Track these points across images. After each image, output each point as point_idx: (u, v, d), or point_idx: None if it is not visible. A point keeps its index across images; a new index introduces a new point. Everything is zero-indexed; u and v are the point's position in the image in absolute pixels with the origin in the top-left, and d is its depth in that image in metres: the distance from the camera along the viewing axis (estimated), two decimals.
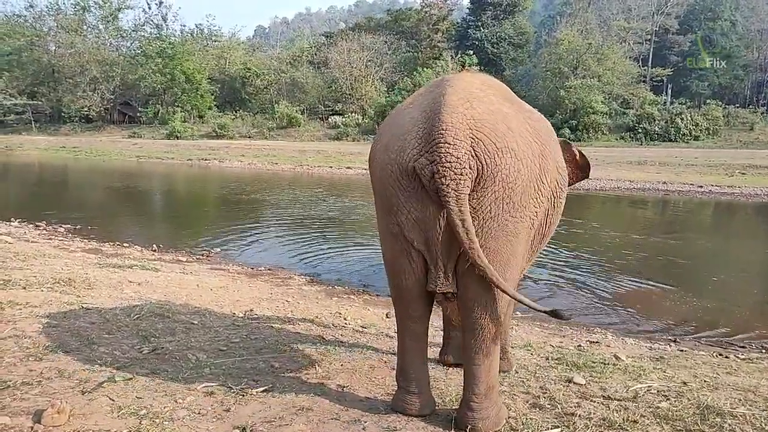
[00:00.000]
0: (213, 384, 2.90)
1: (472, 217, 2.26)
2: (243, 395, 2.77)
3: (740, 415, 2.56)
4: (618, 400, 2.83)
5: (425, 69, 40.93)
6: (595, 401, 2.81)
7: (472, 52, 42.24)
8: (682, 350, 5.04)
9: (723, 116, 36.69)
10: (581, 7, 51.45)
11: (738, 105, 41.30)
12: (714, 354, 4.92)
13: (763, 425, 2.46)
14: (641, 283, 7.73)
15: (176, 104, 48.00)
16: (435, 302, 2.64)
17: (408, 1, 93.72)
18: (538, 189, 2.43)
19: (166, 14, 55.37)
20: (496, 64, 46.35)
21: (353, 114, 43.76)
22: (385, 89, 45.36)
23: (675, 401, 2.83)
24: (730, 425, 2.45)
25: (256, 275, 7.66)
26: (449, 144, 2.22)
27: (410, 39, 51.45)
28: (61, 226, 10.80)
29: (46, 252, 7.58)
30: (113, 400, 2.61)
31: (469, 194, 2.25)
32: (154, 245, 9.32)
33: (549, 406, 2.71)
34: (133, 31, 55.31)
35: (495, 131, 2.29)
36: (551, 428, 2.44)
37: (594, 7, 51.73)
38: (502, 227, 2.34)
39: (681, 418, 2.55)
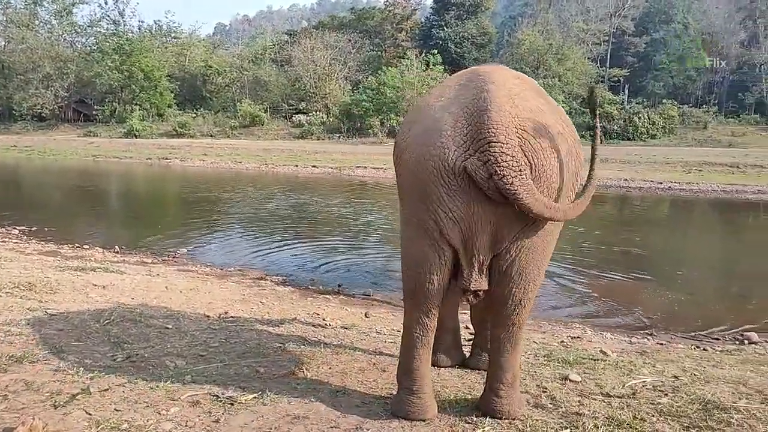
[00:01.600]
0: (197, 393, 2.71)
1: (516, 218, 2.25)
2: (231, 404, 2.59)
3: (744, 410, 2.53)
4: (618, 397, 2.78)
5: (390, 68, 40.87)
6: (595, 399, 2.75)
7: (436, 51, 42.41)
8: (661, 344, 5.07)
9: (678, 115, 37.90)
10: (542, 8, 52.44)
11: (691, 105, 42.75)
12: (693, 347, 4.97)
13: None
14: (611, 278, 7.82)
15: (134, 102, 46.64)
16: (459, 300, 2.66)
17: (371, 0, 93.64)
18: (573, 188, 2.44)
19: (124, 10, 53.82)
20: (460, 63, 46.57)
21: (318, 113, 43.38)
22: (350, 88, 45.11)
23: (674, 396, 2.79)
24: (737, 420, 2.42)
25: (226, 276, 7.42)
26: (502, 143, 2.15)
27: (374, 38, 51.36)
28: (15, 228, 10.27)
29: (0, 255, 7.16)
30: (90, 414, 2.40)
31: None
32: (117, 247, 8.95)
33: (551, 406, 2.64)
34: (89, 26, 53.51)
35: (538, 130, 2.25)
36: (560, 429, 2.36)
37: (554, 9, 52.77)
38: (543, 226, 2.34)
39: (686, 414, 2.51)
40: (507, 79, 2.44)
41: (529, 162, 2.20)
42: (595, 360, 3.65)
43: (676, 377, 3.28)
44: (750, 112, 41.08)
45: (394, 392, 2.70)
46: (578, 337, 5.13)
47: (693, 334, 5.67)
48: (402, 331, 2.65)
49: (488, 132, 2.17)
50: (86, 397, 2.57)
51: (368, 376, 3.12)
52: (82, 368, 2.95)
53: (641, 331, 5.68)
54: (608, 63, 47.97)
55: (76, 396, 2.57)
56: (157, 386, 2.77)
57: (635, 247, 10.20)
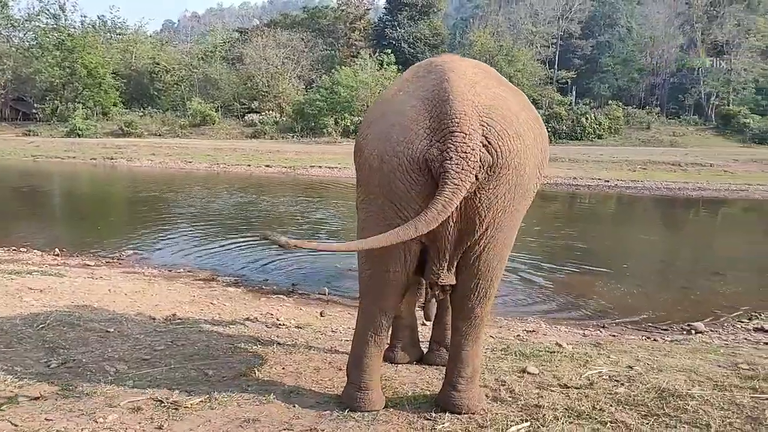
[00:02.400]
0: (139, 398, 2.54)
1: (488, 207, 2.21)
2: (176, 409, 2.43)
3: (699, 397, 2.56)
4: (576, 388, 2.77)
5: (343, 67, 40.65)
6: (554, 391, 2.73)
7: (390, 51, 42.46)
8: (614, 335, 5.16)
9: (623, 116, 39.19)
10: (492, 10, 53.30)
11: (635, 106, 44.23)
12: (644, 338, 5.08)
13: (722, 405, 2.46)
14: (563, 272, 7.95)
15: (77, 100, 44.63)
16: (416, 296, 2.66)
17: (323, 0, 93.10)
18: (539, 174, 2.42)
19: (64, 4, 51.32)
20: (414, 63, 46.84)
21: (271, 112, 42.68)
22: (304, 87, 44.61)
23: (630, 386, 2.80)
24: (692, 407, 2.43)
25: (174, 277, 7.14)
26: (464, 134, 2.09)
27: (327, 37, 50.98)
28: None
29: None
30: (16, 426, 2.20)
31: (485, 185, 2.17)
32: (57, 249, 8.48)
33: (511, 399, 2.60)
34: (26, 20, 50.84)
35: (504, 117, 2.20)
36: (521, 422, 2.32)
37: (504, 11, 53.70)
38: (511, 215, 2.30)
39: (643, 402, 2.51)
40: (466, 67, 2.38)
41: (496, 151, 2.14)
42: (551, 352, 3.65)
43: (630, 367, 3.30)
44: (689, 113, 42.86)
45: None
46: (534, 331, 5.16)
47: (643, 325, 5.81)
48: (356, 327, 2.56)
49: (451, 122, 2.11)
50: (13, 407, 2.36)
51: (323, 376, 3.01)
52: (10, 376, 2.73)
53: (594, 324, 5.77)
54: (556, 65, 49.14)
55: (2, 406, 2.36)
56: (95, 393, 2.58)
57: (585, 242, 10.42)
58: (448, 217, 2.17)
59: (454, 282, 2.38)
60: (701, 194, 18.96)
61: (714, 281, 7.75)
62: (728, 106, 39.76)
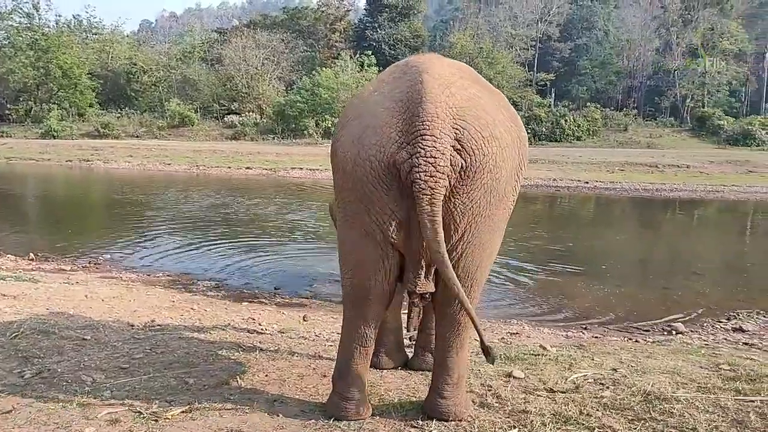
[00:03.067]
0: (117, 410, 2.46)
1: (462, 212, 2.14)
2: (156, 420, 2.36)
3: (684, 400, 2.56)
4: (562, 392, 2.75)
5: (324, 69, 40.50)
6: (540, 395, 2.71)
7: (370, 52, 42.42)
8: (597, 337, 5.18)
9: (601, 118, 39.67)
10: (472, 13, 53.62)
11: (612, 108, 44.83)
12: (626, 339, 5.11)
13: (707, 408, 2.47)
14: (545, 274, 7.99)
15: (52, 101, 43.79)
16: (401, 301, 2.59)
17: (303, 1, 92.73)
18: (518, 177, 2.36)
19: (38, 2, 50.24)
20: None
21: (251, 113, 42.32)
22: (284, 88, 44.32)
23: (615, 389, 2.80)
24: (678, 410, 2.43)
25: (153, 282, 7.02)
26: (435, 137, 2.04)
27: (307, 38, 50.73)
28: None
29: None
30: None
31: (458, 189, 2.11)
32: (31, 254, 8.28)
33: (497, 405, 2.57)
34: None
35: (478, 119, 2.14)
36: (509, 428, 2.29)
37: (483, 14, 54.05)
38: (489, 220, 2.24)
39: (629, 406, 2.51)
40: (442, 67, 2.33)
41: (469, 154, 2.09)
42: (535, 355, 3.64)
43: (614, 369, 3.30)
44: (665, 115, 43.58)
45: None
46: (517, 333, 5.16)
47: (625, 326, 5.85)
48: (341, 335, 2.51)
49: (421, 124, 2.07)
50: None
51: (308, 383, 2.96)
52: None
53: (576, 325, 5.80)
54: (536, 67, 49.55)
55: None
56: (71, 404, 2.50)
57: (566, 243, 10.50)
58: (420, 224, 2.12)
59: (432, 290, 2.33)
60: (678, 195, 19.27)
61: (692, 281, 7.86)
62: (703, 108, 40.49)
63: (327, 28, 50.31)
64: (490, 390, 2.79)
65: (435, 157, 2.02)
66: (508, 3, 51.86)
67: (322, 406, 2.56)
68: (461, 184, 2.11)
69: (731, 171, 23.15)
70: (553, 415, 2.42)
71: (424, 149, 2.03)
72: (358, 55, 42.04)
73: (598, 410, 2.47)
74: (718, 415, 2.41)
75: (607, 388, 2.84)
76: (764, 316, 6.11)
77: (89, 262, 8.09)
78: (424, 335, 3.30)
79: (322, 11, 51.05)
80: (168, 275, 7.45)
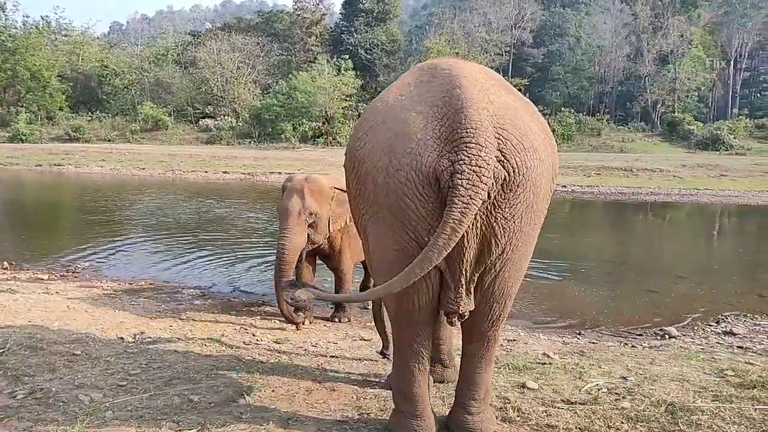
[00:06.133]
0: None
1: (504, 228, 2.03)
2: None
3: (707, 410, 2.54)
4: (581, 404, 2.71)
5: (301, 72, 40.27)
6: (560, 408, 2.66)
7: (347, 56, 42.34)
8: (593, 342, 5.17)
9: (575, 123, 40.27)
10: (447, 18, 53.91)
11: (585, 113, 45.56)
12: (622, 344, 5.11)
13: (733, 419, 2.44)
14: (531, 279, 7.93)
15: (20, 104, 42.63)
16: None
17: (278, 4, 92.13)
18: (550, 191, 2.24)
19: (5, 3, 48.93)
20: (371, 69, 46.95)
21: (226, 117, 41.83)
22: (260, 92, 43.91)
23: (633, 400, 2.77)
24: (706, 422, 2.40)
25: (136, 291, 6.79)
26: (480, 146, 1.91)
27: (283, 42, 50.40)
28: None
29: None
30: None
31: (500, 203, 1.99)
32: (5, 262, 7.96)
33: (520, 419, 2.51)
34: None
35: (518, 129, 2.03)
36: None
37: (458, 19, 54.43)
38: (527, 236, 2.14)
39: (654, 418, 2.47)
40: (475, 71, 2.23)
41: (512, 165, 1.98)
42: (542, 364, 3.60)
43: (624, 378, 3.28)
44: (636, 120, 44.44)
45: (355, 414, 2.46)
46: (514, 340, 5.11)
47: (617, 330, 5.85)
48: (395, 358, 2.42)
49: (464, 132, 1.94)
50: None
51: (317, 398, 2.86)
52: None
53: (570, 331, 5.78)
54: (510, 73, 50.07)
55: None
56: (72, 428, 2.35)
57: (549, 247, 10.51)
58: (465, 240, 2.00)
59: (473, 307, 2.21)
60: (654, 198, 19.63)
61: (677, 284, 7.94)
62: (673, 113, 41.42)
63: (303, 31, 50.04)
64: (508, 402, 2.73)
65: (480, 167, 1.90)
66: (483, 9, 52.30)
67: (346, 428, 2.44)
68: (503, 198, 2.00)
69: (703, 175, 23.69)
70: (580, 429, 2.37)
71: (468, 157, 1.91)
72: (335, 59, 41.90)
73: (624, 423, 2.43)
74: (746, 427, 2.39)
75: (624, 398, 2.81)
76: (751, 319, 6.19)
77: (67, 271, 7.82)
78: (434, 346, 3.22)
79: (298, 15, 50.80)
80: (151, 284, 7.22)
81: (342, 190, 5.07)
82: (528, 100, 2.41)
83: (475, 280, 2.16)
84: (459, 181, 1.91)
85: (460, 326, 2.36)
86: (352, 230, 5.40)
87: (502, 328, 2.39)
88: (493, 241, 2.06)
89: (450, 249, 1.93)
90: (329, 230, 5.14)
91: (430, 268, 1.95)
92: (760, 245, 12.38)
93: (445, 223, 1.91)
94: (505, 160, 1.97)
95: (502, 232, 2.05)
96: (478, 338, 2.33)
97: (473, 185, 1.90)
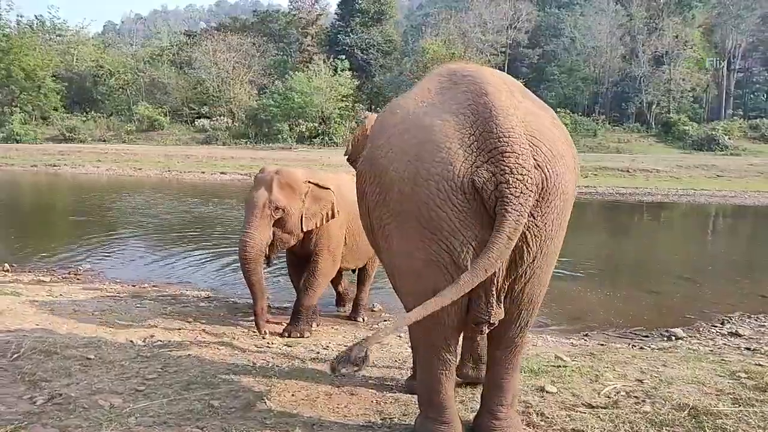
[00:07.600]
0: None
1: (536, 236, 2.01)
2: None
3: (731, 414, 2.55)
4: (603, 408, 2.72)
5: (297, 73, 40.22)
6: (582, 412, 2.67)
7: (344, 57, 42.33)
8: (601, 344, 5.18)
9: (571, 123, 40.36)
10: (443, 18, 53.99)
11: (580, 113, 45.72)
12: (630, 346, 5.12)
13: (759, 424, 2.45)
14: None
15: (14, 104, 42.40)
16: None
17: (273, 4, 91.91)
18: (574, 195, 2.24)
19: None
20: (367, 69, 46.96)
21: (222, 117, 41.74)
22: (256, 92, 43.82)
23: (654, 403, 2.77)
24: (732, 427, 2.41)
25: (140, 293, 6.76)
26: (518, 154, 1.90)
27: (279, 42, 50.34)
28: None
29: None
30: None
31: (534, 211, 1.98)
32: (6, 265, 7.91)
33: (544, 424, 2.52)
34: None
35: (545, 136, 2.03)
36: None
37: (454, 20, 54.52)
38: (554, 244, 2.13)
39: (679, 422, 2.48)
40: (497, 77, 2.22)
41: (545, 174, 1.98)
42: (557, 367, 3.61)
43: (640, 381, 3.29)
44: (632, 120, 44.63)
45: (377, 419, 2.46)
46: None
47: (624, 331, 5.86)
48: (420, 360, 2.40)
49: (498, 140, 1.93)
50: None
51: (338, 402, 2.86)
52: None
53: (577, 333, 5.79)
54: (506, 73, 50.33)
55: None
56: None
57: None
58: (491, 241, 1.96)
59: (503, 316, 2.19)
60: (652, 199, 19.72)
61: (679, 284, 7.99)
62: (669, 114, 41.60)
63: (299, 32, 50.03)
64: (530, 407, 2.73)
65: (523, 174, 1.90)
66: (478, 9, 52.38)
67: (414, 430, 2.45)
68: (536, 206, 1.99)
69: (699, 175, 23.81)
70: None
71: (509, 166, 1.90)
72: (331, 60, 41.88)
73: (649, 428, 2.44)
74: None
75: (643, 401, 2.82)
76: (756, 320, 6.22)
77: (69, 273, 7.78)
78: (473, 347, 3.19)
79: (294, 15, 50.75)
80: (154, 286, 7.20)
81: (319, 185, 4.72)
82: (548, 107, 2.40)
83: (506, 289, 2.15)
84: (507, 191, 1.90)
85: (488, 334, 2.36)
86: (333, 232, 4.94)
87: (528, 332, 2.39)
88: (525, 250, 2.05)
89: (504, 258, 1.93)
90: (302, 229, 4.64)
91: (483, 279, 1.94)
92: (760, 246, 12.47)
93: (499, 234, 1.89)
94: (539, 168, 1.97)
95: (534, 240, 2.04)
96: (506, 345, 2.32)
97: (522, 194, 1.90)
